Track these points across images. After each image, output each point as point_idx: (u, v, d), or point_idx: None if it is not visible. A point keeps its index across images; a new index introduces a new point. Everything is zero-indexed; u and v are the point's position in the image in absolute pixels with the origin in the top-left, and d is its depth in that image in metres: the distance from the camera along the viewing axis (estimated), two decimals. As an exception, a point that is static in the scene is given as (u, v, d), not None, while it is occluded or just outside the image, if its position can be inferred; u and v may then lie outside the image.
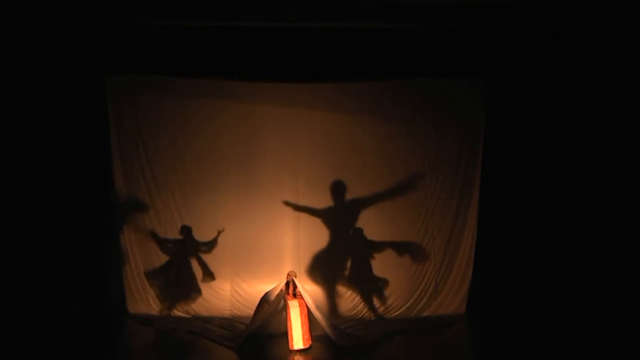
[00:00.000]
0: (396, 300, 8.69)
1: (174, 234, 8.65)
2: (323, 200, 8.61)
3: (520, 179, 8.12)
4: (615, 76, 7.27)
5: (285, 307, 7.70)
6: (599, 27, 7.10)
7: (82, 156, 8.11)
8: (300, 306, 7.63)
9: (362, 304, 8.69)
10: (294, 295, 7.69)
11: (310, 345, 7.66)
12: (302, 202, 8.58)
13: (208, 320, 8.51)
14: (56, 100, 7.81)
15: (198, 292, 8.69)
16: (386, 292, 8.70)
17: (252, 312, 8.25)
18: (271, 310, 7.86)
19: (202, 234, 8.68)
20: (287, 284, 7.71)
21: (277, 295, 7.75)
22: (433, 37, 7.76)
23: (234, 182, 8.57)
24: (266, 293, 7.75)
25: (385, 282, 8.70)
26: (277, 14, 7.22)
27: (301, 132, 8.50)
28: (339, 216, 8.65)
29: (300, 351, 7.61)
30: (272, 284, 8.39)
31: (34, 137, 7.70)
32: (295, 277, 7.72)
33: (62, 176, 7.91)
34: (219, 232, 8.62)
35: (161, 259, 8.65)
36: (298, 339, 7.60)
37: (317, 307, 7.68)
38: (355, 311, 8.67)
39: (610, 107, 7.39)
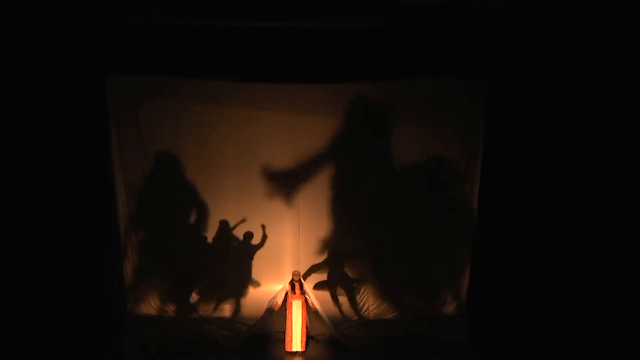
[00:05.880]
0: (396, 300, 8.69)
1: (174, 234, 8.64)
2: (322, 202, 8.62)
3: (521, 179, 8.12)
4: (616, 75, 7.27)
5: (288, 306, 7.70)
6: (599, 25, 7.10)
7: (82, 156, 8.10)
8: (302, 307, 7.64)
9: (362, 304, 8.70)
10: (302, 293, 7.68)
11: (306, 349, 7.67)
12: (302, 205, 8.58)
13: (208, 320, 8.52)
14: (56, 100, 7.80)
15: (198, 292, 8.69)
16: (386, 292, 8.71)
17: (252, 312, 8.30)
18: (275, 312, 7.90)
19: (201, 235, 8.67)
20: (293, 284, 7.71)
21: (284, 298, 7.76)
22: (432, 37, 7.76)
23: (235, 183, 8.56)
24: (273, 297, 7.79)
25: (385, 282, 8.71)
26: (278, 14, 7.22)
27: (301, 133, 8.48)
28: (338, 217, 8.64)
29: (297, 353, 7.63)
30: (272, 285, 8.45)
31: (34, 137, 7.69)
32: (300, 276, 7.74)
33: (62, 176, 7.90)
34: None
35: (161, 259, 8.64)
36: (297, 340, 7.62)
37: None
38: (355, 311, 8.67)
39: (611, 107, 7.39)
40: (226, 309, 8.65)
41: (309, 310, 7.74)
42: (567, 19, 7.23)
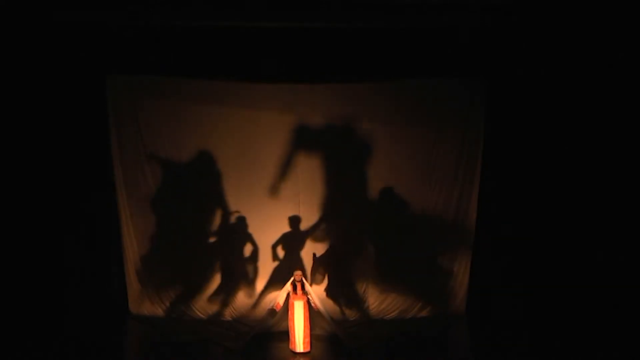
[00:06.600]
0: (396, 300, 8.69)
1: (174, 234, 8.63)
2: (323, 203, 8.61)
3: (521, 179, 8.12)
4: (616, 75, 7.26)
5: (290, 307, 7.69)
6: (599, 25, 7.10)
7: (82, 156, 8.10)
8: (304, 307, 7.62)
9: (362, 304, 8.69)
10: (303, 293, 7.66)
11: (310, 350, 7.65)
12: (302, 205, 8.58)
13: (208, 320, 8.51)
14: (57, 99, 7.80)
15: (199, 292, 8.68)
16: (385, 292, 8.71)
17: (252, 312, 8.29)
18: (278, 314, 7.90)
19: (202, 235, 8.66)
20: (294, 284, 7.69)
21: (286, 299, 7.75)
22: (432, 37, 7.76)
23: (235, 183, 8.56)
24: (274, 298, 7.78)
25: (384, 282, 8.71)
26: (278, 14, 7.22)
27: (301, 134, 8.48)
28: (338, 217, 8.64)
29: (301, 354, 7.62)
30: (271, 286, 8.42)
31: (34, 137, 7.69)
32: (302, 276, 7.73)
33: (62, 176, 7.90)
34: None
35: (162, 259, 8.63)
36: (299, 341, 7.60)
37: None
38: (354, 311, 8.67)
39: (611, 107, 7.39)
40: (227, 310, 8.64)
41: (311, 310, 7.73)
42: (567, 18, 7.23)
